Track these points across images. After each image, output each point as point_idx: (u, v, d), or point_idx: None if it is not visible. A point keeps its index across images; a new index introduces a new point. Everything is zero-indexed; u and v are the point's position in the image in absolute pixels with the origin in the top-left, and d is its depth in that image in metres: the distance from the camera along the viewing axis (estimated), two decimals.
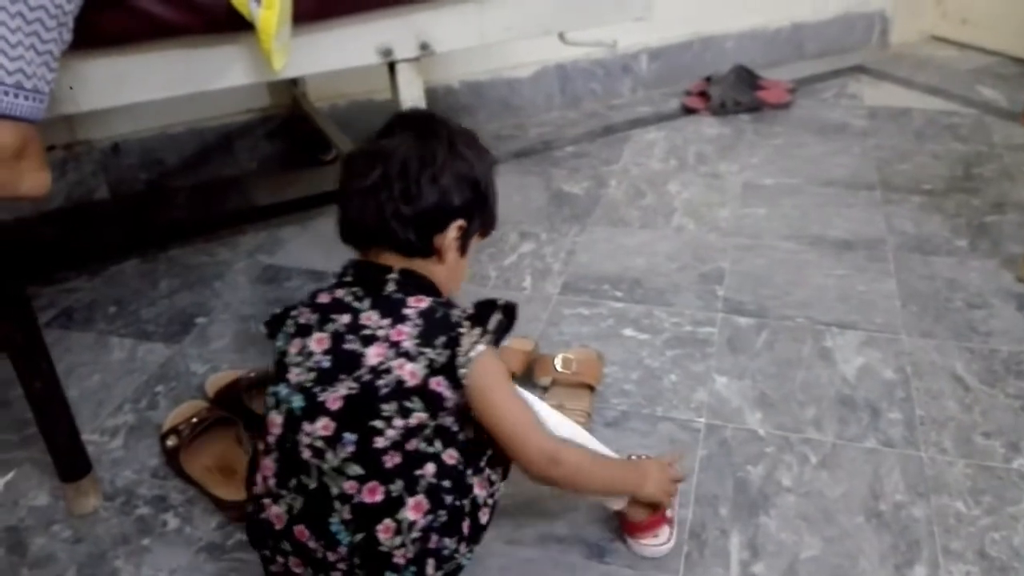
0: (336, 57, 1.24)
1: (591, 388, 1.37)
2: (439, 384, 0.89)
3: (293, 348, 0.95)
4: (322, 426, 0.89)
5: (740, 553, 1.11)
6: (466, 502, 0.91)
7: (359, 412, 0.88)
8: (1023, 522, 1.14)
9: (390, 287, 0.94)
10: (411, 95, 1.31)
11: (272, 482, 0.92)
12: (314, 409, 0.90)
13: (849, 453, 1.27)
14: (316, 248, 1.89)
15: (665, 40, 2.77)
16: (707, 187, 2.13)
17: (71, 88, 1.03)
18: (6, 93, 0.86)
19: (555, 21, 1.38)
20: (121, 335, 1.62)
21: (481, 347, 0.90)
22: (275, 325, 1.01)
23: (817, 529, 1.14)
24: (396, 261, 0.97)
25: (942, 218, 1.92)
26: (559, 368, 1.38)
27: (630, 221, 1.97)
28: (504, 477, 0.98)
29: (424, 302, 0.93)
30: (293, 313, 0.99)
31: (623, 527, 1.12)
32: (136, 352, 1.57)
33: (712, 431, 1.32)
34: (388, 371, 0.88)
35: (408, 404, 0.88)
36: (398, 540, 0.87)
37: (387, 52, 1.26)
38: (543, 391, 1.37)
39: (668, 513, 1.12)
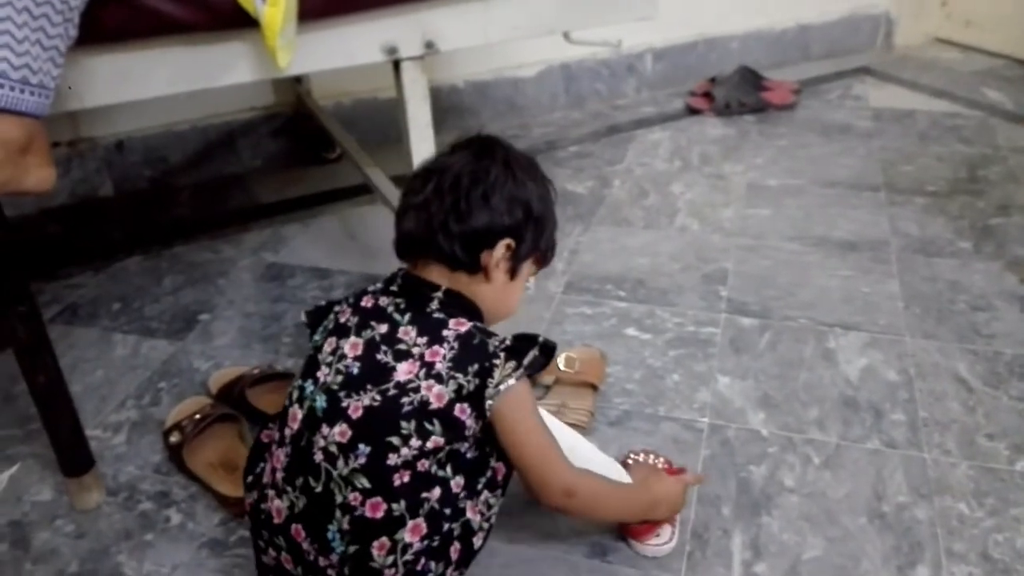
0: (341, 55, 1.24)
1: (594, 387, 1.37)
2: (463, 412, 0.89)
3: (327, 346, 0.96)
4: (339, 432, 0.89)
5: (742, 553, 1.11)
6: (456, 526, 0.90)
7: (378, 425, 0.88)
8: None
9: (433, 305, 0.94)
10: (415, 94, 1.31)
11: (280, 475, 0.93)
12: (335, 413, 0.90)
13: (852, 454, 1.27)
14: (320, 246, 1.90)
15: (670, 40, 2.77)
16: (711, 188, 2.12)
17: (69, 88, 1.03)
18: (12, 88, 0.86)
19: (560, 20, 1.38)
20: (125, 331, 1.62)
21: (512, 381, 0.90)
22: (317, 317, 1.02)
23: (820, 530, 1.14)
24: (443, 277, 0.97)
25: (946, 220, 1.92)
26: (562, 367, 1.38)
27: (634, 221, 1.97)
28: (502, 496, 0.98)
29: (464, 326, 0.92)
30: (336, 309, 1.00)
31: (625, 529, 1.12)
32: (140, 348, 1.57)
33: (715, 431, 1.32)
34: (416, 390, 0.88)
35: (428, 426, 0.88)
36: (390, 559, 0.87)
37: (392, 50, 1.26)
38: (545, 390, 1.37)
39: None
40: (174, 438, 1.28)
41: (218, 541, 1.15)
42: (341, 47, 1.23)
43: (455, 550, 0.91)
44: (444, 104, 2.46)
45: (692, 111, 2.62)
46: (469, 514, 0.91)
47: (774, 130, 2.47)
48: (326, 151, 2.33)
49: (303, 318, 1.05)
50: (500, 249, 0.97)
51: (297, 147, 2.34)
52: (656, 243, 1.86)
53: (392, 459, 0.87)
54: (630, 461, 1.20)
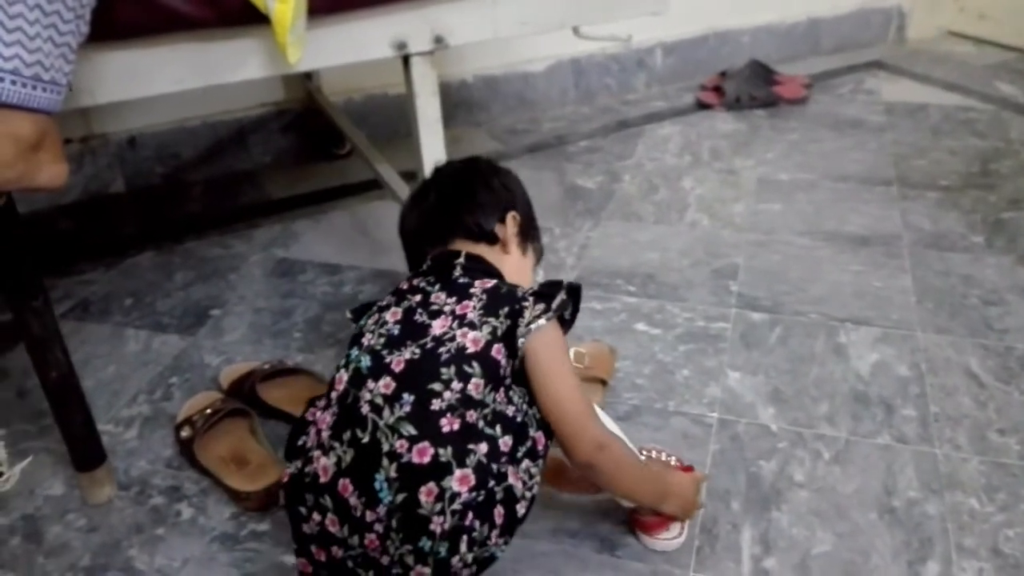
0: (351, 50, 1.24)
1: (603, 382, 1.37)
2: (499, 352, 0.93)
3: (371, 320, 1.02)
4: (384, 384, 0.92)
5: (752, 548, 1.11)
6: (499, 489, 0.89)
7: (419, 374, 0.91)
8: None
9: (457, 272, 1.02)
10: (425, 89, 1.31)
11: (326, 434, 0.94)
12: (379, 369, 0.94)
13: (862, 449, 1.26)
14: (330, 242, 1.90)
15: (680, 35, 2.76)
16: (721, 182, 2.12)
17: (70, 89, 1.03)
18: (24, 85, 0.86)
19: (569, 15, 1.37)
20: (136, 327, 1.63)
21: (543, 321, 0.94)
22: (360, 313, 1.07)
23: (829, 525, 1.14)
24: (465, 247, 1.07)
25: (958, 214, 1.91)
26: (572, 362, 1.38)
27: (644, 216, 1.97)
28: (542, 466, 0.97)
29: (489, 283, 1.00)
30: (378, 303, 1.06)
31: (634, 524, 1.12)
32: (151, 344, 1.58)
33: (724, 426, 1.32)
34: (452, 339, 0.93)
35: (467, 368, 0.91)
36: (438, 507, 0.86)
37: (401, 45, 1.26)
38: None
39: None
40: (185, 433, 1.29)
41: (229, 535, 1.16)
42: (351, 43, 1.23)
43: (499, 514, 0.89)
44: (454, 99, 2.46)
45: (702, 106, 2.61)
46: (511, 479, 0.91)
47: (785, 124, 2.46)
48: (336, 147, 2.33)
49: (348, 315, 1.09)
50: (510, 221, 1.10)
51: (307, 143, 2.35)
52: (666, 238, 1.86)
53: (436, 404, 0.89)
54: (642, 457, 1.20)
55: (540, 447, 0.95)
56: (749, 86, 2.59)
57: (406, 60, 1.29)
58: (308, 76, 2.24)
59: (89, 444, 1.20)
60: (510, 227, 1.09)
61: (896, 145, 2.28)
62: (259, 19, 1.09)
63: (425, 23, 1.26)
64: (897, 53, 3.03)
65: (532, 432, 0.94)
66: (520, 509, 0.92)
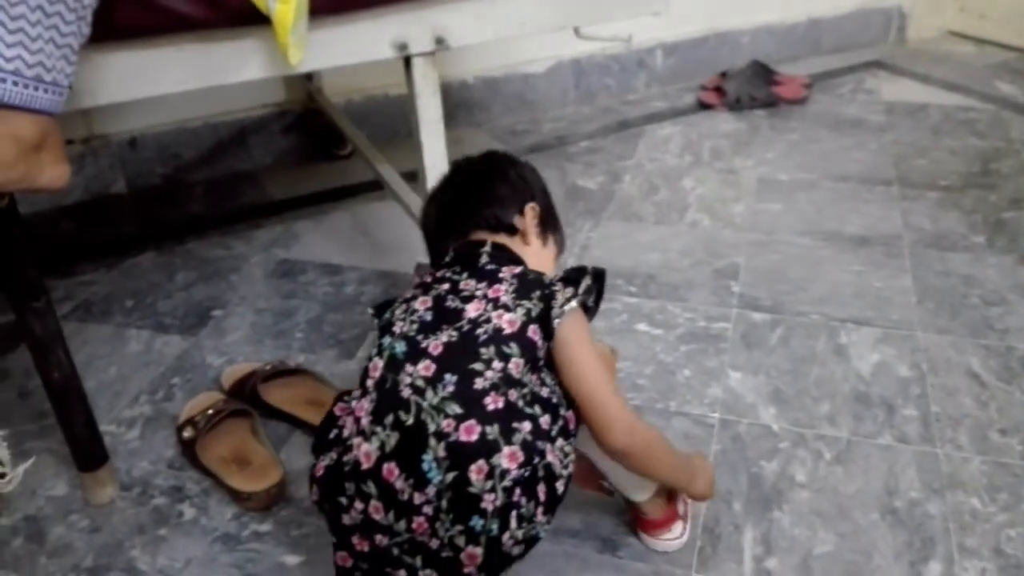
0: (352, 51, 1.24)
1: None
2: (535, 333, 0.93)
3: (398, 310, 1.01)
4: (423, 367, 0.91)
5: (753, 548, 1.11)
6: (540, 466, 0.89)
7: (459, 355, 0.91)
8: None
9: (483, 259, 1.02)
10: (426, 90, 1.31)
11: (366, 420, 0.92)
12: (417, 353, 0.93)
13: (864, 449, 1.26)
14: (331, 242, 1.90)
15: (680, 35, 2.76)
16: (722, 182, 2.12)
17: (70, 89, 1.03)
18: (26, 86, 0.86)
19: (570, 16, 1.37)
20: (138, 327, 1.63)
21: (573, 304, 0.95)
22: (383, 308, 1.06)
23: (831, 525, 1.14)
24: (487, 237, 1.06)
25: (959, 214, 1.91)
26: None
27: (644, 216, 1.97)
28: (574, 444, 0.97)
29: (516, 269, 1.00)
30: (402, 296, 1.05)
31: (637, 524, 1.12)
32: (153, 344, 1.58)
33: (726, 426, 1.32)
34: (488, 320, 0.93)
35: (506, 349, 0.91)
36: (489, 484, 0.85)
37: (402, 46, 1.26)
38: None
39: (681, 509, 1.12)
40: (187, 433, 1.29)
41: (231, 535, 1.16)
42: (352, 44, 1.23)
43: (542, 491, 0.89)
44: (455, 100, 2.46)
45: (703, 106, 2.62)
46: (550, 457, 0.90)
47: (785, 124, 2.46)
48: (337, 147, 2.33)
49: (370, 310, 1.07)
50: (529, 212, 1.10)
51: (308, 144, 2.35)
52: (667, 238, 1.86)
53: (479, 383, 0.89)
54: None
55: (572, 426, 0.95)
56: (749, 86, 2.59)
57: (407, 61, 1.29)
58: (309, 77, 2.24)
59: (91, 445, 1.20)
60: (529, 218, 1.10)
61: (896, 145, 2.28)
62: (260, 20, 1.09)
63: (426, 24, 1.26)
64: (897, 53, 3.03)
65: (563, 412, 0.94)
66: (559, 487, 0.91)
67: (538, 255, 1.09)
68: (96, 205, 2.12)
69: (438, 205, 1.15)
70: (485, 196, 1.10)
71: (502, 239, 1.07)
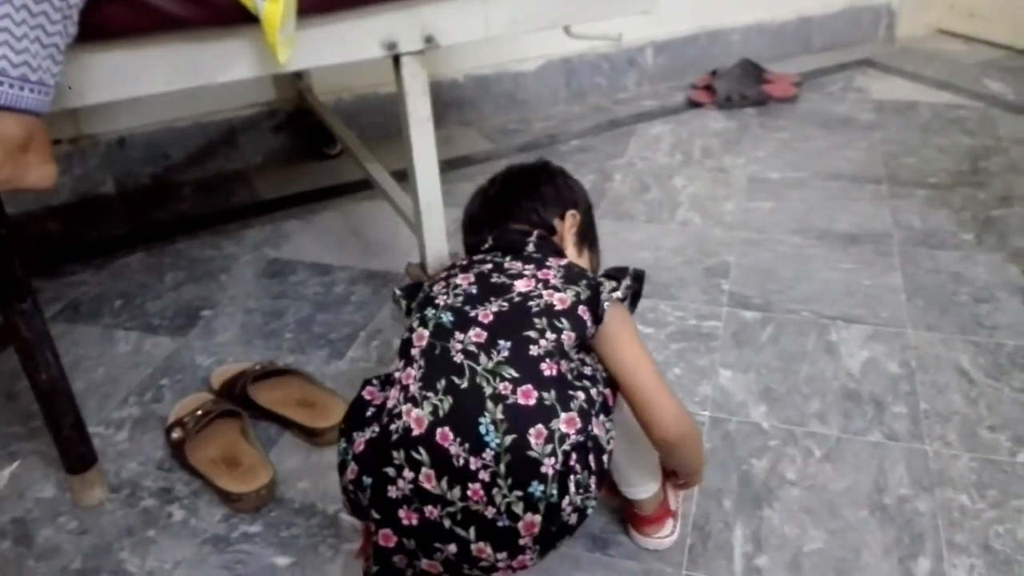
0: (340, 50, 1.23)
1: None
2: (585, 313, 0.93)
3: (436, 287, 0.99)
4: (475, 334, 0.90)
5: (743, 546, 1.11)
6: (590, 437, 0.88)
7: (512, 324, 0.91)
8: None
9: (530, 248, 1.03)
10: (415, 89, 1.31)
11: (416, 387, 0.89)
12: (466, 322, 0.92)
13: (853, 447, 1.27)
14: (321, 242, 1.90)
15: (670, 34, 2.76)
16: (712, 181, 2.12)
17: (69, 88, 1.03)
18: (11, 85, 0.86)
19: (560, 14, 1.37)
20: (127, 328, 1.63)
21: (618, 294, 0.96)
22: (412, 290, 1.05)
23: (821, 522, 1.14)
24: (529, 229, 1.08)
25: (948, 212, 1.92)
26: None
27: (635, 215, 1.97)
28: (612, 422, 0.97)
29: (563, 260, 1.01)
30: (438, 274, 1.04)
31: (630, 521, 1.12)
32: (142, 345, 1.57)
33: (716, 424, 1.32)
34: (539, 296, 0.93)
35: (558, 323, 0.91)
36: (548, 448, 0.84)
37: (391, 45, 1.25)
38: None
39: (673, 506, 1.13)
40: (176, 434, 1.28)
41: (221, 537, 1.16)
42: (341, 42, 1.22)
43: (593, 461, 0.88)
44: (445, 98, 2.46)
45: (693, 104, 2.62)
46: (597, 430, 0.89)
47: (775, 123, 2.46)
48: (327, 147, 2.33)
49: (396, 291, 1.06)
50: (568, 218, 1.12)
51: (298, 143, 2.34)
52: (658, 237, 1.86)
53: (534, 350, 0.88)
54: None
55: (611, 402, 0.95)
56: (740, 85, 2.59)
57: (396, 60, 1.29)
58: (298, 76, 2.23)
59: (80, 446, 1.20)
60: (568, 223, 1.11)
61: (886, 143, 2.29)
62: (248, 19, 1.08)
63: (415, 23, 1.26)
64: (887, 51, 3.04)
65: (601, 388, 0.94)
66: (605, 460, 0.90)
67: (573, 259, 1.09)
68: (84, 205, 2.11)
69: (484, 198, 1.17)
70: (531, 193, 1.13)
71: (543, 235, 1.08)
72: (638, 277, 1.02)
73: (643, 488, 1.08)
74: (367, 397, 0.97)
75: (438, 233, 1.38)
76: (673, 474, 1.12)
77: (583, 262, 1.12)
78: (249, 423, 1.31)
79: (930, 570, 1.07)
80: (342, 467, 0.93)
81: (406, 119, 1.32)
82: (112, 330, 1.62)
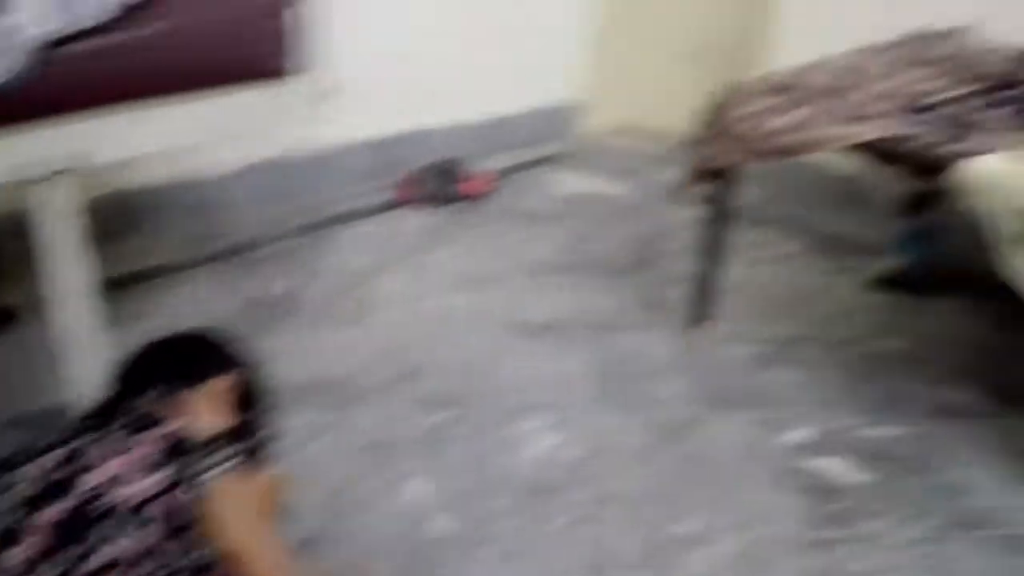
0: None
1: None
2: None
3: None
4: None
5: None
6: None
7: None
8: None
9: None
10: (62, 208, 1.21)
11: None
12: None
13: (541, 534, 1.29)
14: None
15: (375, 134, 2.79)
16: (413, 278, 2.15)
17: None
18: None
19: (215, 129, 1.33)
20: None
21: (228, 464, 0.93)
22: None
23: None
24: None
25: (630, 292, 2.07)
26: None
27: (332, 320, 1.93)
28: None
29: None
30: None
31: None
32: None
33: (403, 539, 1.29)
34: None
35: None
36: None
37: (36, 167, 1.15)
38: None
39: None
40: None
41: None
42: None
43: None
44: (133, 206, 2.29)
45: (397, 204, 2.65)
46: None
47: (473, 219, 2.56)
48: None
49: None
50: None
51: None
52: (355, 342, 1.83)
53: None
54: None
55: None
56: (439, 183, 2.68)
57: (44, 180, 1.18)
58: None
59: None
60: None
61: (572, 234, 2.45)
62: None
63: (61, 143, 1.16)
64: (572, 147, 3.27)
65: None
66: None
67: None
68: None
69: None
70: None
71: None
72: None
73: None
74: None
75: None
76: None
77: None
78: None
79: None
80: None
81: (50, 244, 1.21)
82: None
